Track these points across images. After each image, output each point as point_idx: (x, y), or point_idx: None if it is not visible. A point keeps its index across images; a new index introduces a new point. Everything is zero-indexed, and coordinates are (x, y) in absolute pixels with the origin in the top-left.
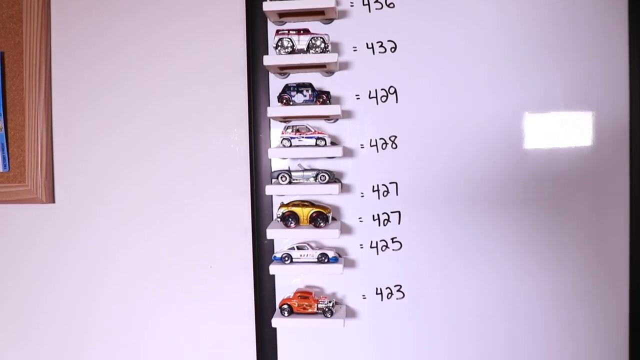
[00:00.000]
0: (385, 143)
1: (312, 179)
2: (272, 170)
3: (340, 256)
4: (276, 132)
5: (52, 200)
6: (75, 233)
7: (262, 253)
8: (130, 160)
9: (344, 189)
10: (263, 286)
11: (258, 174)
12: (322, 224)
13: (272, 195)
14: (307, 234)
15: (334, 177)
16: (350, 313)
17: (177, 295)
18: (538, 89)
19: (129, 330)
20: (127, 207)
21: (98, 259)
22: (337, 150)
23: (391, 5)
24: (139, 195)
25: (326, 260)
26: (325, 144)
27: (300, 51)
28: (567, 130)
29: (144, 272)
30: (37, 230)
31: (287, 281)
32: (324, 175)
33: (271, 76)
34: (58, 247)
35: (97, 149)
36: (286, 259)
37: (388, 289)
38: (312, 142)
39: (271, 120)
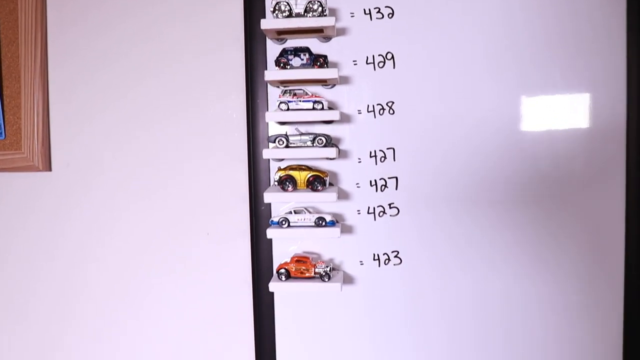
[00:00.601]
0: (383, 109)
1: (309, 143)
2: (269, 134)
3: (337, 221)
4: (274, 98)
5: (48, 168)
6: (72, 201)
7: (259, 219)
8: (127, 128)
9: (341, 154)
10: (260, 252)
11: (255, 139)
12: (319, 188)
13: (269, 161)
14: (305, 197)
15: (331, 141)
16: (348, 279)
17: (175, 262)
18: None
19: (126, 298)
20: (124, 175)
21: (95, 227)
22: (334, 114)
23: None
24: (136, 163)
25: (323, 224)
26: (323, 107)
27: (298, 15)
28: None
29: (142, 239)
30: (34, 199)
31: (284, 247)
32: (321, 139)
33: (268, 42)
34: (55, 216)
35: (94, 117)
36: (283, 223)
37: (385, 255)
38: (310, 105)
39: (268, 87)
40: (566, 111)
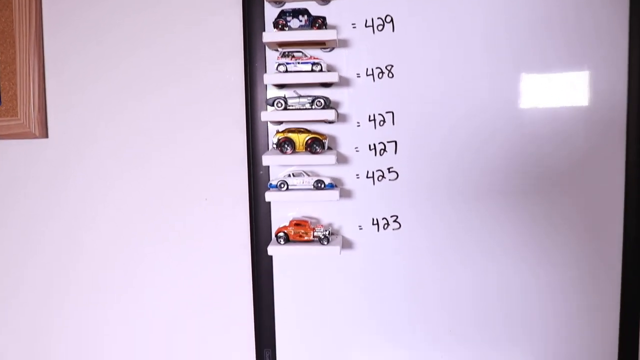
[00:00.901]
0: (382, 72)
1: (307, 105)
2: (268, 97)
3: (336, 185)
4: (272, 61)
5: (45, 134)
6: (69, 168)
7: (257, 183)
8: (124, 94)
9: (340, 118)
10: (259, 217)
11: (254, 103)
12: (318, 150)
13: (267, 125)
14: (303, 159)
15: (330, 104)
16: (347, 244)
17: (173, 228)
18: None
19: (122, 264)
20: (121, 141)
21: (92, 193)
22: (333, 76)
23: None
24: (133, 129)
25: (322, 187)
26: (322, 69)
27: None
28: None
29: (139, 205)
30: (31, 166)
31: (283, 212)
32: (319, 101)
33: (267, 5)
34: (52, 183)
35: (91, 83)
36: (282, 186)
37: (384, 220)
38: (308, 67)
39: (267, 50)
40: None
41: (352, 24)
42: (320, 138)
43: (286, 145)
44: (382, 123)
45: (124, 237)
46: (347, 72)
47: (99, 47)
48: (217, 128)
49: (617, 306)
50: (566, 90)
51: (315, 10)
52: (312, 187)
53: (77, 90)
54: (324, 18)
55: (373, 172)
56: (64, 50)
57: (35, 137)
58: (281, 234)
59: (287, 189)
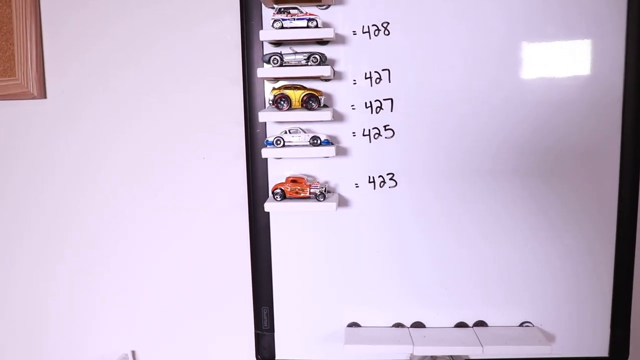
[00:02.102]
0: (378, 30)
1: (303, 61)
2: (264, 54)
3: (332, 142)
4: (268, 19)
5: (43, 94)
6: (67, 128)
7: (254, 141)
8: (121, 53)
9: (336, 76)
10: (256, 175)
11: (250, 60)
12: (314, 106)
13: (264, 83)
14: (300, 115)
15: (325, 60)
16: (343, 201)
17: (170, 187)
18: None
19: (120, 223)
20: (119, 101)
21: (90, 153)
22: (328, 32)
23: None
24: (130, 88)
25: (319, 143)
26: (317, 25)
27: None
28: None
29: (136, 165)
30: (29, 127)
31: (280, 171)
32: (315, 57)
33: None
34: (50, 144)
35: (88, 43)
36: (278, 142)
37: (381, 178)
38: (304, 23)
39: (263, 7)
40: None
41: None
42: (316, 94)
43: (282, 102)
44: (378, 81)
45: (122, 196)
46: (343, 30)
47: (96, 6)
48: (214, 86)
49: (611, 270)
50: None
51: None
52: (308, 143)
53: (75, 50)
54: None
55: (369, 130)
56: (61, 8)
57: (34, 98)
58: (278, 190)
59: (284, 145)
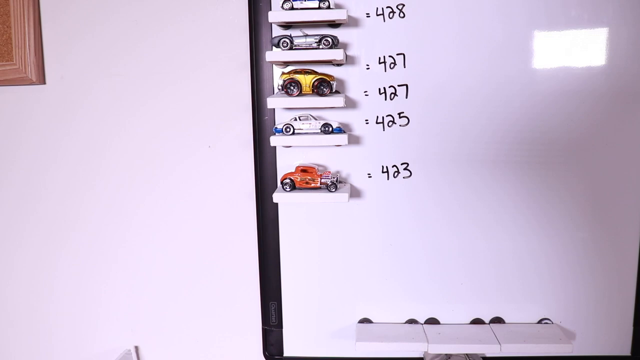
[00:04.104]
0: (393, 12)
1: (314, 45)
2: (273, 36)
3: (344, 130)
4: (277, 1)
5: (42, 80)
6: (67, 115)
7: (262, 129)
8: (123, 37)
9: (349, 60)
10: (264, 164)
11: (258, 45)
12: (326, 91)
13: (272, 68)
14: (310, 102)
15: (338, 43)
16: (355, 192)
17: (175, 177)
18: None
19: (126, 214)
20: (121, 88)
21: (93, 141)
22: (341, 13)
23: None
24: (133, 74)
25: (330, 131)
26: (329, 6)
27: None
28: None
29: (139, 154)
30: (28, 113)
31: (289, 160)
32: (327, 40)
33: None
34: (50, 131)
35: (89, 27)
36: (288, 130)
37: (394, 167)
38: (315, 4)
39: None
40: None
41: None
42: (328, 79)
43: (292, 87)
44: (392, 66)
45: (125, 186)
46: (356, 12)
47: None
48: (220, 71)
49: (635, 265)
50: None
51: None
52: (319, 131)
53: (76, 34)
54: None
55: (383, 118)
56: None
57: (32, 83)
58: (287, 180)
59: (293, 133)
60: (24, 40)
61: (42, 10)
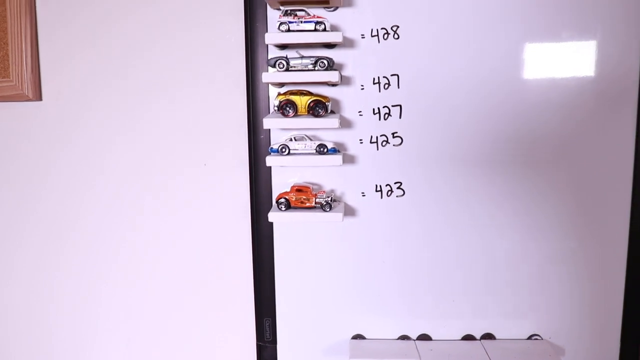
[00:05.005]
0: (387, 33)
1: (310, 66)
2: (269, 57)
3: (339, 150)
4: (274, 20)
5: (39, 97)
6: (64, 132)
7: (258, 148)
8: (120, 54)
9: (344, 81)
10: (259, 183)
11: (254, 64)
12: (321, 113)
13: (268, 88)
14: (306, 123)
15: (333, 65)
16: (349, 211)
17: (171, 194)
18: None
19: (120, 230)
20: (116, 104)
21: (89, 157)
22: (337, 36)
23: None
24: (129, 91)
25: (325, 151)
26: (325, 28)
27: None
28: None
29: (134, 172)
30: (24, 130)
31: (284, 178)
32: (323, 62)
33: None
34: (46, 148)
35: (85, 44)
36: (283, 150)
37: (388, 186)
38: (311, 26)
39: (268, 8)
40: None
41: None
42: (323, 100)
43: (288, 108)
44: (386, 86)
45: (120, 203)
46: (351, 33)
47: (94, 7)
48: (217, 90)
49: (622, 283)
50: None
51: None
52: (314, 151)
53: (73, 51)
54: None
55: (377, 137)
56: (58, 7)
57: (29, 100)
58: (282, 200)
59: (289, 153)
60: (21, 57)
61: (39, 28)
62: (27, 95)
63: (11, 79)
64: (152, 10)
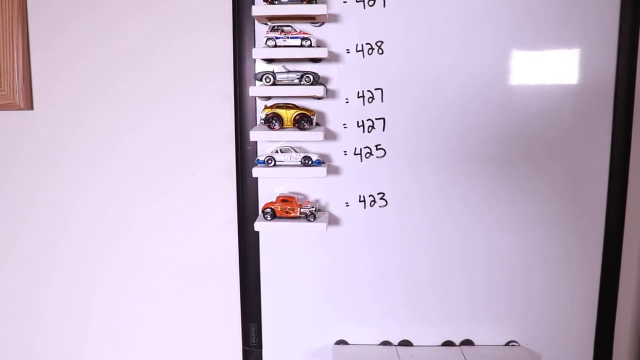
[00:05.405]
0: (372, 48)
1: (296, 80)
2: (256, 72)
3: (323, 161)
4: (261, 35)
5: (30, 106)
6: (55, 141)
7: (245, 159)
8: (110, 66)
9: (329, 94)
10: (246, 193)
11: (242, 77)
12: (306, 126)
13: (255, 100)
14: (291, 135)
15: (319, 79)
16: (333, 220)
17: (160, 203)
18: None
19: (110, 239)
20: (107, 115)
21: (79, 166)
22: (322, 51)
23: None
24: (120, 101)
25: (310, 163)
26: (311, 44)
27: None
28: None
29: (124, 181)
30: (16, 139)
31: (270, 188)
32: (308, 77)
33: None
34: (38, 157)
35: (77, 54)
36: (269, 161)
37: (371, 197)
38: (297, 42)
39: (256, 23)
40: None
41: None
42: (309, 114)
43: (274, 121)
44: (370, 100)
45: (111, 211)
46: (336, 48)
47: (86, 19)
48: (206, 102)
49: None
50: (556, 67)
51: None
52: (299, 163)
53: (64, 62)
54: None
55: (361, 149)
56: (50, 18)
57: (20, 109)
58: (268, 210)
59: (275, 164)
60: (13, 67)
61: (30, 38)
62: (19, 105)
63: (3, 88)
64: (143, 23)
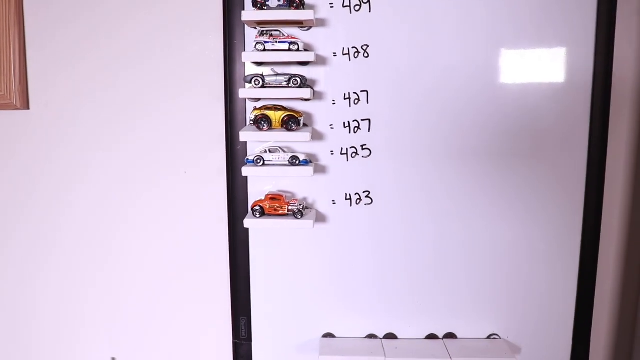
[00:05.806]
0: (358, 52)
1: (284, 83)
2: (246, 75)
3: (310, 161)
4: (251, 39)
5: (26, 106)
6: (51, 141)
7: (235, 158)
8: (105, 67)
9: (316, 96)
10: (236, 191)
11: (232, 79)
12: (294, 127)
13: (245, 102)
14: (279, 136)
15: (306, 82)
16: (320, 218)
17: (152, 200)
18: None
19: (102, 236)
20: (102, 114)
21: (73, 166)
22: (309, 55)
23: None
24: (114, 102)
25: (297, 163)
26: (299, 48)
27: None
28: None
29: (118, 179)
30: (12, 138)
31: (259, 187)
32: (296, 80)
33: None
34: (34, 156)
35: (73, 55)
36: (258, 161)
37: (357, 195)
38: (286, 46)
39: (246, 28)
40: (539, 65)
41: (330, 4)
42: (296, 115)
43: (263, 122)
44: (356, 101)
45: (104, 209)
46: (323, 51)
47: (81, 20)
48: (197, 103)
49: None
50: (536, 66)
51: None
52: (287, 162)
53: (60, 62)
54: None
55: (347, 149)
56: (46, 20)
57: (16, 109)
58: (257, 207)
59: (264, 164)
60: (9, 67)
61: (27, 39)
62: (15, 105)
63: (0, 89)
64: (139, 26)
